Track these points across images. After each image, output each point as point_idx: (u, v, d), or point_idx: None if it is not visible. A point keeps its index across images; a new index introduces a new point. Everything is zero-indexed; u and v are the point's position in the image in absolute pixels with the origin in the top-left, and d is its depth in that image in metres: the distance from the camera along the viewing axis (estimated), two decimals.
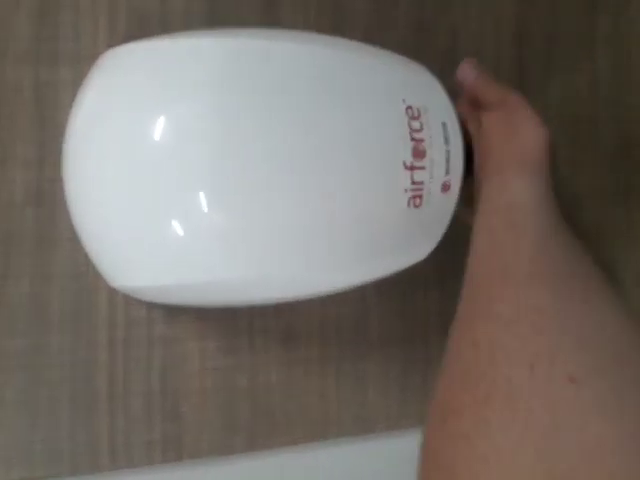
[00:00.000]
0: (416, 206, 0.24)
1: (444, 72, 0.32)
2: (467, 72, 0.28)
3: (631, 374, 0.18)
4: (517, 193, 0.23)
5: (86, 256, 0.28)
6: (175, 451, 0.31)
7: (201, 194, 0.23)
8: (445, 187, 0.25)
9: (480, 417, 0.18)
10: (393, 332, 0.35)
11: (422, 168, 0.24)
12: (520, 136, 0.25)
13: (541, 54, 0.39)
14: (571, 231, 0.23)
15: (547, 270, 0.20)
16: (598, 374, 0.17)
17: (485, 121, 0.26)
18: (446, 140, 0.25)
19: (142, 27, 0.30)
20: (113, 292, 0.30)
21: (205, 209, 0.23)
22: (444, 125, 0.25)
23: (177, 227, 0.23)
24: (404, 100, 0.24)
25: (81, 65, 0.29)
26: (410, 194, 0.24)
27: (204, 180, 0.23)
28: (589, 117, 0.40)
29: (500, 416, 0.17)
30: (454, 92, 0.28)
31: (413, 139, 0.24)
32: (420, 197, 0.24)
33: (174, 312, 0.31)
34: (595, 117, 0.40)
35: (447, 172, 0.25)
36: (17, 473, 0.29)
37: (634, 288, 0.42)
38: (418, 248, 0.26)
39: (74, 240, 0.28)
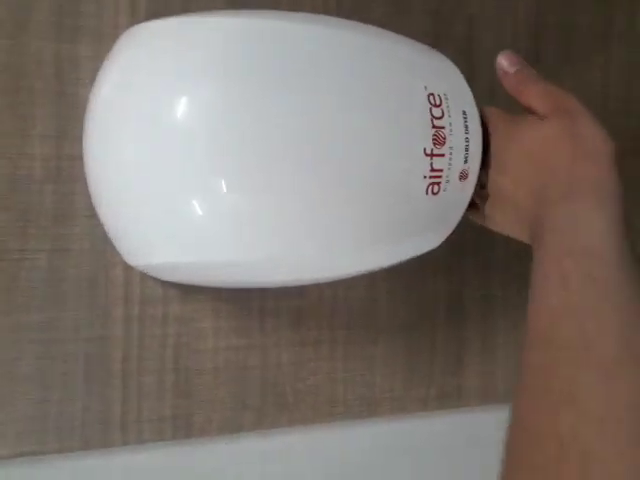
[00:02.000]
0: (434, 193, 0.25)
1: (460, 61, 0.32)
2: (505, 65, 0.25)
3: None
4: (596, 233, 0.20)
5: (103, 233, 0.28)
6: (185, 428, 0.32)
7: (220, 174, 0.23)
8: (463, 175, 0.25)
9: None
10: (401, 317, 0.36)
11: (442, 155, 0.24)
12: (591, 155, 0.21)
13: (556, 46, 0.39)
14: None
15: (631, 353, 0.18)
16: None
17: (537, 129, 0.23)
18: (466, 129, 0.25)
19: (163, 4, 0.30)
20: (129, 270, 0.30)
21: (224, 190, 0.23)
22: (464, 113, 0.25)
23: (196, 207, 0.24)
24: (426, 87, 0.24)
25: (102, 42, 0.29)
26: (429, 181, 0.24)
27: (224, 161, 0.23)
28: (600, 111, 0.40)
29: None
30: (469, 81, 0.28)
31: (434, 126, 0.24)
32: (439, 184, 0.25)
33: (189, 291, 0.32)
34: (606, 111, 0.40)
35: (465, 161, 0.25)
36: (29, 446, 0.29)
37: None
38: (433, 235, 0.27)
39: (92, 217, 0.29)
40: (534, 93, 0.24)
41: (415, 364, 0.37)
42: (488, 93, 0.36)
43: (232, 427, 0.33)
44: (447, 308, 0.37)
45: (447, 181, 0.25)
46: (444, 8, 0.35)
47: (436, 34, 0.35)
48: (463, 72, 0.27)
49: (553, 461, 0.17)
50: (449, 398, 0.38)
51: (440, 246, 0.28)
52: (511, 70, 0.25)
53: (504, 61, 0.26)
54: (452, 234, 0.28)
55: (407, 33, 0.33)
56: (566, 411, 0.17)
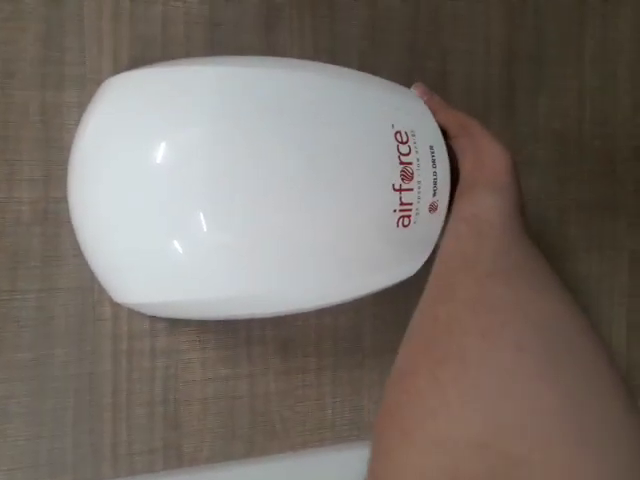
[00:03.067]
0: (405, 226, 0.26)
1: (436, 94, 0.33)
2: (420, 95, 0.29)
3: (566, 347, 0.19)
4: (484, 208, 0.24)
5: (91, 272, 0.29)
6: (176, 458, 0.33)
7: (200, 215, 0.24)
8: (433, 207, 0.26)
9: (433, 376, 0.19)
10: (387, 341, 0.37)
11: (410, 190, 0.25)
12: (487, 162, 0.26)
13: (530, 74, 0.40)
14: (534, 245, 0.24)
15: (506, 268, 0.22)
16: (541, 345, 0.19)
17: (454, 146, 0.28)
18: (433, 163, 0.26)
19: (145, 53, 0.31)
20: (117, 306, 0.31)
21: (204, 229, 0.24)
22: (431, 148, 0.26)
23: (177, 246, 0.24)
24: (393, 125, 0.25)
25: (86, 88, 0.30)
26: (399, 214, 0.25)
27: (203, 201, 0.24)
28: (575, 134, 0.41)
29: (451, 375, 0.19)
30: None
31: (402, 162, 0.25)
32: (409, 217, 0.26)
33: (176, 324, 0.32)
34: (581, 134, 0.41)
35: (434, 193, 0.26)
36: None
37: (621, 300, 0.43)
38: (407, 265, 0.28)
39: (79, 256, 0.30)
40: (444, 118, 0.28)
41: None
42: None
43: (222, 456, 0.33)
44: None
45: (417, 214, 0.26)
46: (419, 43, 0.37)
47: (411, 69, 0.36)
48: None
49: (427, 331, 0.22)
50: None
51: (422, 271, 0.29)
52: (423, 99, 0.29)
53: (416, 92, 0.30)
54: (435, 256, 0.29)
55: (384, 69, 0.34)
56: (445, 303, 0.22)
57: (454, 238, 0.24)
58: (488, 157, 0.26)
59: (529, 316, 0.20)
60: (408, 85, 0.30)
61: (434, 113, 0.28)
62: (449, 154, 0.27)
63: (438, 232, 0.27)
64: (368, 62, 0.35)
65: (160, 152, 0.24)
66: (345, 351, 0.36)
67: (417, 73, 0.36)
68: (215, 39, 0.32)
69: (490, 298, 0.21)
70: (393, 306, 0.37)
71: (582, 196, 0.42)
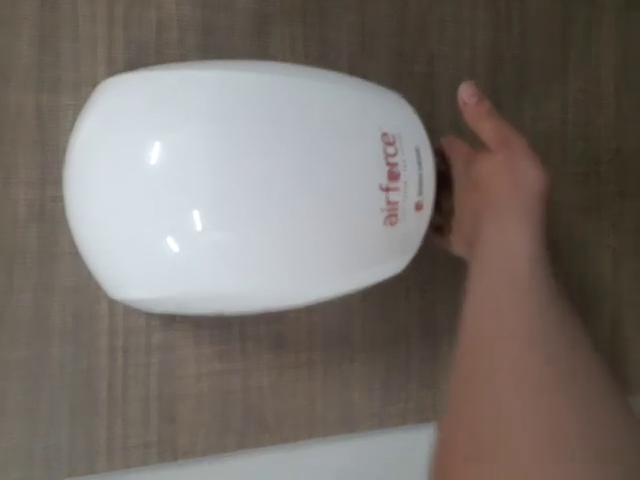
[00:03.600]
0: (391, 224, 0.27)
1: (423, 97, 0.34)
2: (465, 96, 0.27)
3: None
4: (518, 244, 0.23)
5: (87, 269, 0.30)
6: (170, 452, 0.33)
7: (195, 213, 0.25)
8: (418, 206, 0.27)
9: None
10: (376, 336, 0.38)
11: (397, 189, 0.26)
12: (525, 186, 0.24)
13: (515, 79, 0.41)
14: (560, 288, 0.23)
15: (545, 339, 0.20)
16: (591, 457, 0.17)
17: (484, 162, 0.26)
18: (419, 164, 0.27)
19: (139, 56, 0.32)
20: (113, 303, 0.32)
21: (198, 227, 0.25)
22: (417, 150, 0.27)
23: (172, 244, 0.25)
24: (380, 127, 0.26)
25: (81, 92, 0.31)
26: (386, 213, 0.26)
27: (197, 200, 0.25)
28: (560, 135, 0.43)
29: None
30: (429, 118, 0.30)
31: (388, 163, 0.26)
32: (395, 216, 0.27)
33: (171, 321, 0.33)
34: (566, 135, 0.43)
35: (420, 193, 0.27)
36: (17, 475, 0.30)
37: (607, 299, 0.44)
38: (394, 262, 0.29)
39: (75, 254, 0.30)
40: (487, 127, 0.27)
41: (392, 380, 0.38)
42: (450, 127, 0.38)
43: (216, 449, 0.34)
44: (420, 325, 0.39)
45: (403, 212, 0.27)
46: (406, 48, 0.37)
47: (399, 73, 0.37)
48: (425, 108, 0.29)
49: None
50: (427, 412, 0.39)
51: (411, 269, 0.30)
52: (470, 101, 0.27)
53: (464, 92, 0.28)
54: (420, 258, 0.30)
55: (373, 73, 0.35)
56: (487, 388, 0.20)
57: (484, 281, 0.23)
58: (526, 180, 0.24)
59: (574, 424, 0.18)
60: (397, 89, 0.31)
61: (480, 119, 0.26)
62: (434, 155, 0.28)
63: (424, 230, 0.28)
64: (358, 66, 0.36)
65: (155, 153, 0.25)
66: (335, 347, 0.37)
67: (405, 77, 0.37)
68: (208, 44, 0.33)
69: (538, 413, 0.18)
70: (381, 302, 0.38)
71: (566, 197, 0.43)
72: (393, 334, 0.38)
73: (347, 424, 0.37)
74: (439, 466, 0.21)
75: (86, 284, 0.31)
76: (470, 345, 0.22)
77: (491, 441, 0.19)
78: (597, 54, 0.43)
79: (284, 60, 0.34)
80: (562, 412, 0.19)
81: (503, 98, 0.41)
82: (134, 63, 0.31)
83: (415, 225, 0.28)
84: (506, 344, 0.21)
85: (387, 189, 0.26)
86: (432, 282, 0.39)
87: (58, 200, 0.30)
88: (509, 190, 0.24)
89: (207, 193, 0.25)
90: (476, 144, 0.28)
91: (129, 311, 0.32)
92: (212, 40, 0.33)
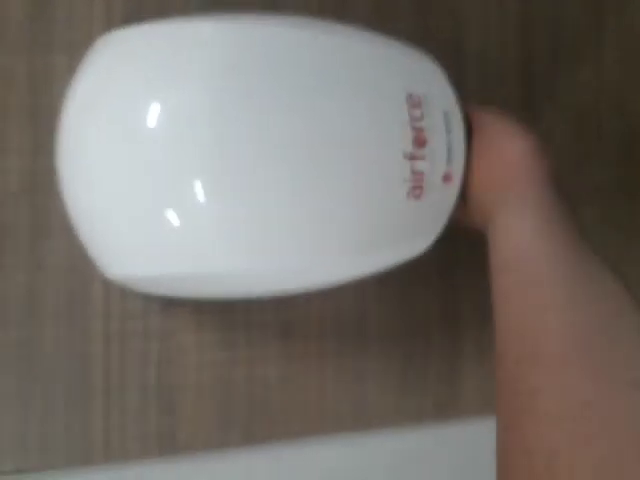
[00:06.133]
0: (416, 197, 0.24)
1: (448, 62, 0.31)
2: None
3: None
4: (522, 238, 0.22)
5: (81, 248, 0.28)
6: (170, 445, 0.31)
7: (197, 183, 0.22)
8: (446, 178, 0.25)
9: None
10: (392, 328, 0.35)
11: (422, 158, 0.23)
12: (501, 156, 0.24)
13: (547, 44, 0.38)
14: (588, 244, 0.22)
15: (579, 346, 0.19)
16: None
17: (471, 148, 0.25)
18: (448, 129, 0.24)
19: (139, 13, 0.29)
20: (108, 284, 0.30)
21: (201, 199, 0.23)
22: (446, 114, 0.24)
23: (172, 217, 0.23)
24: (405, 88, 0.24)
25: (76, 52, 0.28)
26: (410, 184, 0.24)
27: (200, 169, 0.23)
28: (594, 110, 0.39)
29: None
30: (455, 85, 0.27)
31: (414, 128, 0.23)
32: (420, 188, 0.24)
33: (170, 304, 0.31)
34: (600, 110, 0.40)
35: (448, 162, 0.24)
36: (11, 464, 0.29)
37: (638, 284, 0.41)
38: (418, 241, 0.26)
39: (69, 231, 0.28)
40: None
41: (408, 374, 0.36)
42: (477, 94, 0.35)
43: (218, 444, 0.32)
44: (440, 316, 0.36)
45: (429, 184, 0.24)
46: (430, 9, 0.35)
47: (422, 37, 0.34)
48: (451, 74, 0.27)
49: (525, 472, 0.18)
50: (445, 408, 0.37)
51: (432, 252, 0.27)
52: None
53: None
54: (443, 239, 0.27)
55: (392, 34, 0.32)
56: (528, 420, 0.19)
57: (504, 297, 0.22)
58: (501, 149, 0.23)
59: (632, 426, 0.17)
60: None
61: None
62: (466, 122, 0.26)
63: (452, 206, 0.26)
64: (376, 27, 0.33)
65: (155, 116, 0.23)
66: (348, 336, 0.34)
67: (429, 41, 0.34)
68: None
69: (582, 410, 0.18)
70: (399, 289, 0.35)
71: (599, 176, 0.40)
72: (411, 324, 0.36)
73: (359, 419, 0.35)
74: (497, 367, 0.21)
75: (80, 263, 0.29)
76: (502, 367, 0.21)
77: (534, 346, 0.20)
78: (634, 22, 0.40)
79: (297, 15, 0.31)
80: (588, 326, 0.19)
81: (534, 65, 0.38)
82: (133, 20, 0.29)
83: (442, 199, 0.25)
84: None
85: (412, 157, 0.23)
86: (453, 268, 0.37)
87: (52, 171, 0.28)
88: (490, 168, 0.24)
89: (210, 160, 0.23)
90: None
91: (126, 294, 0.30)
92: None
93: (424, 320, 0.36)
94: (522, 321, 0.21)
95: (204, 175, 0.22)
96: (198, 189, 0.22)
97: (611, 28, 0.39)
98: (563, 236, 0.22)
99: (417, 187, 0.24)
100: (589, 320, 0.20)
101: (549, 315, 0.20)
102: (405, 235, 0.25)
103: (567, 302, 0.20)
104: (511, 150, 0.24)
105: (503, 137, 0.24)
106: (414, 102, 0.23)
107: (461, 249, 0.36)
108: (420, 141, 0.23)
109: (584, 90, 0.39)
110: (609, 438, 0.17)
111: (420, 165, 0.23)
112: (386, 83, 0.24)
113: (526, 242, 0.22)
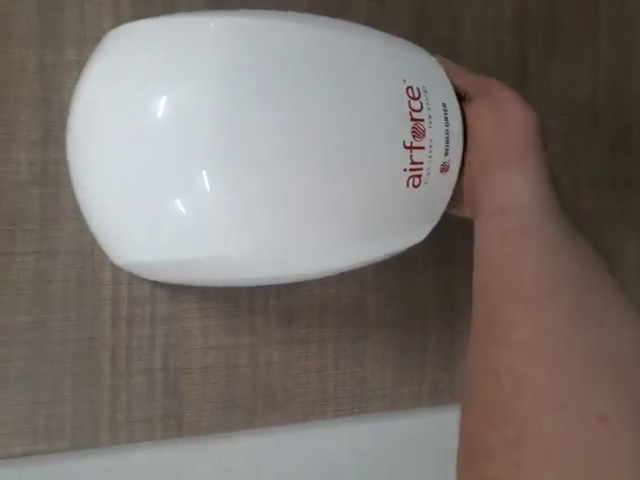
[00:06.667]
0: (415, 186, 0.25)
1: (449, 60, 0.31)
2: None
3: None
4: (516, 193, 0.22)
5: (90, 236, 0.28)
6: (175, 427, 0.32)
7: (204, 172, 0.23)
8: (444, 168, 0.26)
9: (512, 461, 0.17)
10: (391, 313, 0.36)
11: (422, 148, 0.24)
12: (513, 127, 0.23)
13: (542, 40, 0.39)
14: (575, 228, 0.22)
15: (557, 289, 0.20)
16: (630, 414, 0.17)
17: (469, 113, 0.26)
18: (446, 121, 0.25)
19: (147, 9, 0.30)
20: (117, 270, 0.30)
21: (207, 187, 0.23)
22: (444, 105, 0.25)
23: (180, 205, 0.24)
24: (404, 80, 0.24)
25: (86, 47, 0.29)
26: (409, 174, 0.24)
27: (207, 159, 0.23)
28: (589, 104, 0.40)
29: (533, 462, 0.17)
30: None
31: (413, 119, 0.24)
32: (419, 177, 0.25)
33: (177, 291, 0.32)
34: (595, 104, 0.40)
35: (446, 153, 0.25)
36: (18, 447, 0.29)
37: (631, 277, 0.43)
38: (417, 228, 0.27)
39: (78, 220, 0.29)
40: (461, 83, 0.27)
41: (406, 360, 0.37)
42: None
43: (222, 426, 0.33)
44: (437, 303, 0.37)
45: (428, 174, 0.25)
46: (428, 7, 0.35)
47: (420, 34, 0.35)
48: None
49: (492, 394, 0.19)
50: (442, 394, 0.38)
51: (429, 240, 0.28)
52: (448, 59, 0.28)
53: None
54: (440, 228, 0.28)
55: (391, 32, 0.33)
56: (501, 349, 0.19)
57: (487, 243, 0.22)
58: (511, 119, 0.23)
59: (603, 367, 0.18)
60: None
61: (460, 75, 0.27)
62: (462, 114, 0.26)
63: (449, 195, 0.27)
64: (377, 26, 0.33)
65: (163, 107, 0.23)
66: (348, 323, 0.35)
67: (427, 38, 0.35)
68: None
69: (557, 344, 0.18)
70: (397, 278, 0.36)
71: (595, 169, 0.41)
72: (409, 312, 0.37)
73: (359, 404, 0.36)
74: (476, 301, 0.22)
75: (89, 251, 0.30)
76: (480, 305, 0.22)
77: (514, 284, 0.20)
78: (630, 17, 0.41)
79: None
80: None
81: (530, 61, 0.38)
82: (142, 16, 0.29)
83: (440, 188, 0.26)
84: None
85: (411, 147, 0.24)
86: (450, 258, 0.38)
87: (61, 162, 0.29)
88: (499, 135, 0.24)
89: (218, 150, 0.23)
90: None
91: (133, 280, 0.31)
92: None
93: (421, 308, 0.37)
94: (503, 262, 0.21)
95: (209, 165, 0.23)
96: (204, 178, 0.23)
97: (605, 27, 0.40)
98: (553, 206, 0.23)
99: (416, 176, 0.25)
100: (567, 269, 0.21)
101: (530, 260, 0.21)
102: (404, 223, 0.26)
103: (548, 253, 0.21)
104: (514, 116, 0.24)
105: (513, 106, 0.24)
106: (414, 94, 0.24)
107: (456, 242, 0.37)
108: (419, 132, 0.24)
109: (579, 87, 0.40)
110: (577, 367, 0.18)
111: (419, 155, 0.24)
112: (387, 76, 0.25)
113: (519, 194, 0.22)
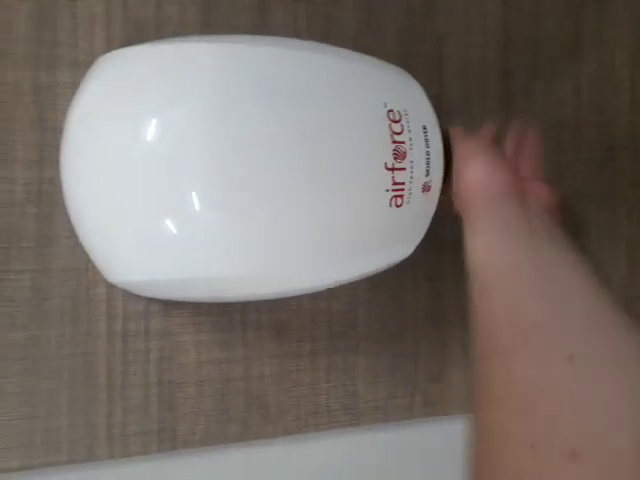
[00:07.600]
0: (397, 206, 0.26)
1: (430, 79, 0.32)
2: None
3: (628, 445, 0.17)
4: (479, 253, 0.24)
5: (85, 253, 0.29)
6: (170, 440, 0.33)
7: (193, 194, 0.24)
8: (425, 188, 0.26)
9: None
10: (382, 325, 0.37)
11: (403, 169, 0.25)
12: (460, 178, 0.26)
13: (527, 59, 0.40)
14: (565, 239, 0.24)
15: (525, 338, 0.21)
16: (598, 447, 0.17)
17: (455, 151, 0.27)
18: (426, 142, 0.26)
19: (138, 33, 0.31)
20: (111, 287, 0.31)
21: (197, 207, 0.24)
22: (424, 128, 0.26)
23: (171, 224, 0.24)
24: (385, 104, 0.25)
25: (79, 69, 0.30)
26: (392, 194, 0.25)
27: (196, 180, 0.24)
28: (574, 120, 0.41)
29: None
30: (436, 101, 0.29)
31: (394, 141, 0.25)
32: (401, 197, 0.25)
33: (171, 306, 0.32)
34: (580, 120, 0.41)
35: (427, 173, 0.26)
36: (16, 462, 0.30)
37: (620, 290, 0.43)
38: (400, 247, 0.28)
39: (73, 238, 0.30)
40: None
41: (398, 372, 0.37)
42: (458, 109, 0.37)
43: (216, 439, 0.34)
44: (428, 316, 0.38)
45: (410, 194, 0.26)
46: (413, 27, 0.36)
47: (406, 53, 0.36)
48: (432, 90, 0.28)
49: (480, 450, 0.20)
50: (435, 406, 0.38)
51: (420, 254, 0.29)
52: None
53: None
54: (430, 242, 0.29)
55: (378, 53, 0.34)
56: (485, 406, 0.21)
57: (473, 300, 0.24)
58: (464, 183, 0.26)
59: (573, 402, 0.18)
60: (403, 68, 0.29)
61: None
62: (443, 137, 0.27)
63: (431, 213, 0.27)
64: (363, 45, 0.34)
65: (153, 130, 0.24)
66: (340, 336, 0.36)
67: (412, 57, 0.36)
68: (209, 20, 0.32)
69: (519, 389, 0.19)
70: (387, 290, 0.37)
71: (579, 184, 0.42)
72: (400, 325, 0.37)
73: (351, 416, 0.36)
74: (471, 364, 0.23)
75: (84, 268, 0.31)
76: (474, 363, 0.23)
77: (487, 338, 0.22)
78: (612, 37, 0.42)
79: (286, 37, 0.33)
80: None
81: (515, 80, 0.39)
82: (133, 40, 0.30)
83: (422, 208, 0.27)
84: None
85: (393, 168, 0.25)
86: (440, 272, 0.38)
87: (56, 182, 0.30)
88: (461, 197, 0.26)
89: (207, 171, 0.24)
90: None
91: (128, 296, 0.32)
92: (213, 16, 0.32)
93: (412, 322, 0.37)
94: (482, 320, 0.23)
95: (200, 186, 0.24)
96: (194, 199, 0.24)
97: (588, 43, 0.41)
98: (517, 242, 0.24)
99: (398, 196, 0.25)
100: (535, 312, 0.21)
101: (498, 314, 0.22)
102: (389, 241, 0.27)
103: (516, 302, 0.22)
104: (466, 173, 0.26)
105: (462, 159, 0.26)
106: (394, 117, 0.25)
107: (446, 256, 0.38)
108: (400, 154, 0.25)
109: (563, 105, 0.41)
110: (546, 409, 0.19)
111: (401, 176, 0.25)
112: (368, 99, 0.25)
113: (482, 255, 0.24)
